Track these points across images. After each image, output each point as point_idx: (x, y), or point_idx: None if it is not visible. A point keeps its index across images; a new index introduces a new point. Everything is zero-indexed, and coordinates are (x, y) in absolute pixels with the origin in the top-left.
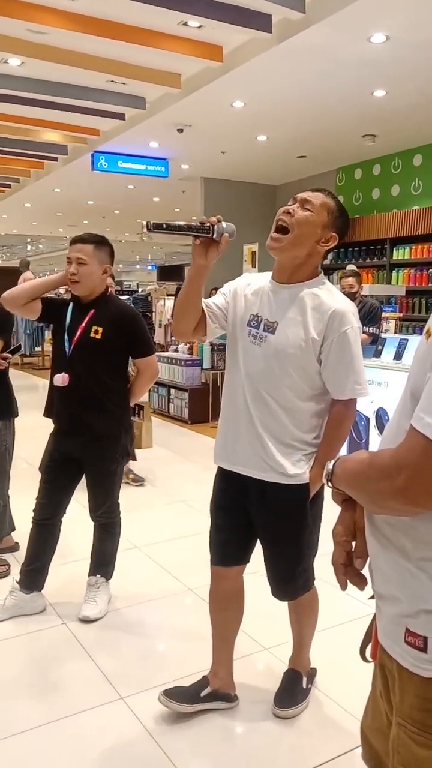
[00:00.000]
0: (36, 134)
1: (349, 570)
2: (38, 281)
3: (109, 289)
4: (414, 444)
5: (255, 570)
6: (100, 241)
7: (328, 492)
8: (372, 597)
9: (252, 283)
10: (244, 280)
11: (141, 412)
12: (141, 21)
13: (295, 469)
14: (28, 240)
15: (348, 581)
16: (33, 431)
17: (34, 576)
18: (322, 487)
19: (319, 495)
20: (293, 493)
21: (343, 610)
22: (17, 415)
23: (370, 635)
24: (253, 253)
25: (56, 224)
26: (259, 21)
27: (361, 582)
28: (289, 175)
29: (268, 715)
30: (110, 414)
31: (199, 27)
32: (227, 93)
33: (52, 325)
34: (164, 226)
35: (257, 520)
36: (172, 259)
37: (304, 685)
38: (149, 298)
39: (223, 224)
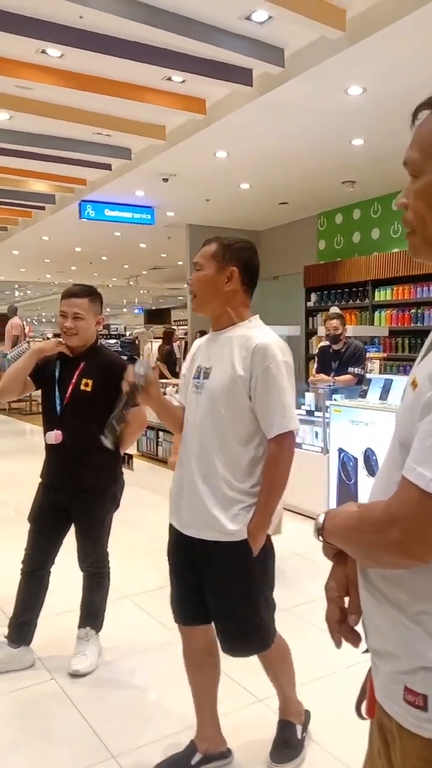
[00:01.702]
0: (24, 184)
1: (343, 627)
2: (17, 369)
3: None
4: (407, 496)
5: None
6: (92, 293)
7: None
8: (366, 651)
9: (200, 344)
10: (195, 345)
11: (131, 461)
12: (126, 76)
13: (232, 525)
14: (16, 286)
15: (342, 638)
16: (20, 477)
17: (22, 630)
18: (269, 541)
19: (268, 549)
20: (233, 550)
21: (341, 658)
22: None
23: (365, 691)
24: None
25: (44, 270)
26: (240, 75)
27: (355, 639)
28: (271, 221)
29: None
30: (102, 465)
31: (182, 81)
32: (210, 143)
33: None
34: (115, 422)
35: (203, 577)
36: (158, 303)
37: (299, 735)
38: (136, 342)
39: (139, 370)
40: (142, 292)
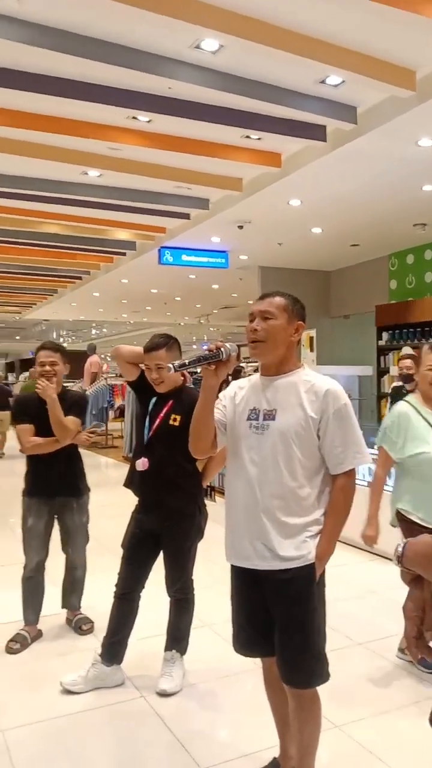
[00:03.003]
0: (108, 233)
1: (419, 643)
2: (136, 350)
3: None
4: None
5: None
6: (167, 343)
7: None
8: None
9: (242, 387)
10: (233, 387)
11: (213, 492)
12: (208, 136)
13: (297, 551)
14: (93, 324)
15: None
16: (99, 509)
17: (114, 649)
18: (323, 573)
19: (323, 581)
20: (298, 576)
21: (405, 693)
22: None
23: None
24: (311, 338)
25: (121, 310)
26: (315, 132)
27: (430, 653)
28: (342, 262)
29: None
30: (186, 494)
31: (259, 139)
32: (285, 193)
33: (140, 402)
34: (186, 363)
35: (271, 608)
36: (227, 340)
37: None
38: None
39: (228, 345)
40: (211, 329)
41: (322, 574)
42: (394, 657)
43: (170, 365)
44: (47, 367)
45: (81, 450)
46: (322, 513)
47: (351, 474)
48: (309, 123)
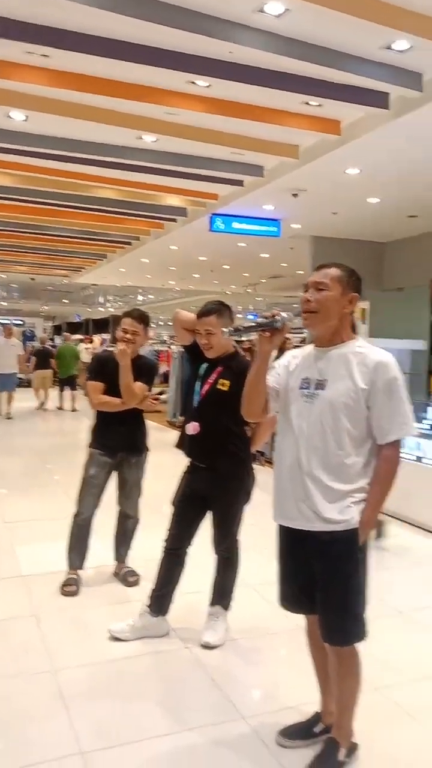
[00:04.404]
0: (159, 198)
1: None
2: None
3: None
4: None
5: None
6: (219, 310)
7: None
8: None
9: (296, 356)
10: (288, 356)
11: (262, 457)
12: (266, 102)
13: (341, 516)
14: (140, 290)
15: None
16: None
17: (160, 601)
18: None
19: (367, 547)
20: (342, 539)
21: None
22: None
23: None
24: (364, 310)
25: (168, 277)
26: (377, 99)
27: None
28: (398, 233)
29: None
30: (235, 457)
31: (319, 105)
32: (343, 161)
33: (191, 367)
34: (241, 328)
35: (315, 567)
36: (272, 309)
37: (340, 757)
38: (253, 348)
39: (284, 314)
40: (258, 299)
41: (366, 541)
42: None
43: (224, 329)
44: (128, 335)
45: None
46: (368, 482)
47: (396, 445)
48: (371, 90)
